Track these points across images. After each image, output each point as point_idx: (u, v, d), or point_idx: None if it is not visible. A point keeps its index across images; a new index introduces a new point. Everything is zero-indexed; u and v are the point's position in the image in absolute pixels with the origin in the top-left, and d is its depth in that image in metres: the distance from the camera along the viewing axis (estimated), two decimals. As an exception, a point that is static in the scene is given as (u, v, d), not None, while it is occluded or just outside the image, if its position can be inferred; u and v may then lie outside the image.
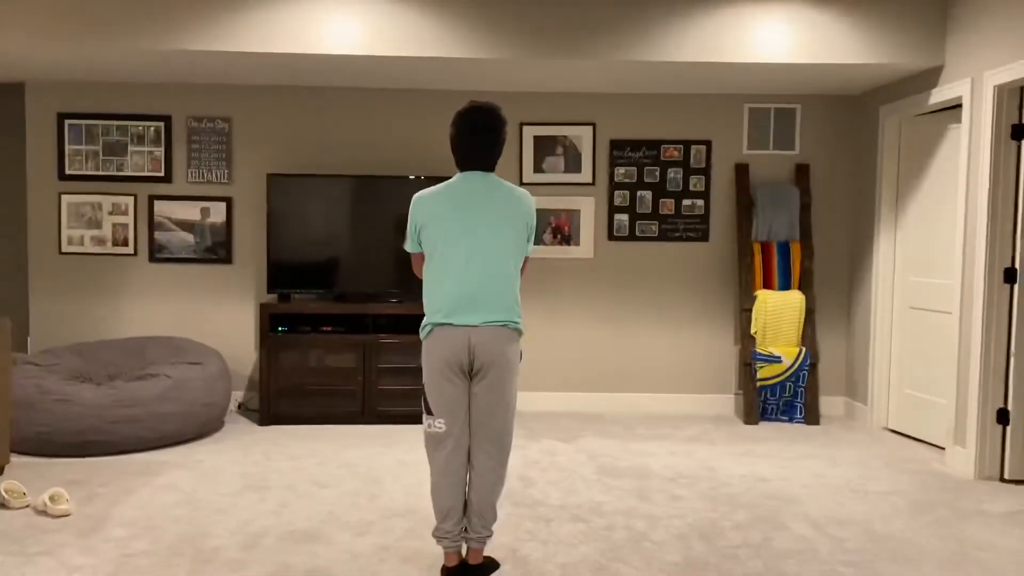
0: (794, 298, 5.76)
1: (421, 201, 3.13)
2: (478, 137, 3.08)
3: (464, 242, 3.03)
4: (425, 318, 3.12)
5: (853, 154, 5.99)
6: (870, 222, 5.71)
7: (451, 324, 3.03)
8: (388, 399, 5.52)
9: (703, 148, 5.99)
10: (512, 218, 3.08)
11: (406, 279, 5.53)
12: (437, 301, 3.07)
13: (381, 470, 4.51)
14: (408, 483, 4.28)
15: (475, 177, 3.10)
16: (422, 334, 3.13)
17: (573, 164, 5.99)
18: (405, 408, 5.47)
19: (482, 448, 3.09)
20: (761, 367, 5.73)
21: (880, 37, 4.87)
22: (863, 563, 3.35)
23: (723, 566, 3.29)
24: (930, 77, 5.01)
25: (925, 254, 5.28)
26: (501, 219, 3.06)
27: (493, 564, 3.21)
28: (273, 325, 5.54)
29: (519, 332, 3.10)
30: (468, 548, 3.14)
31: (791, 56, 4.87)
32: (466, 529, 3.11)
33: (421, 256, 3.18)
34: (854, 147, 5.97)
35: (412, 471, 4.47)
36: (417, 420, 5.30)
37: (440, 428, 3.06)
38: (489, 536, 3.15)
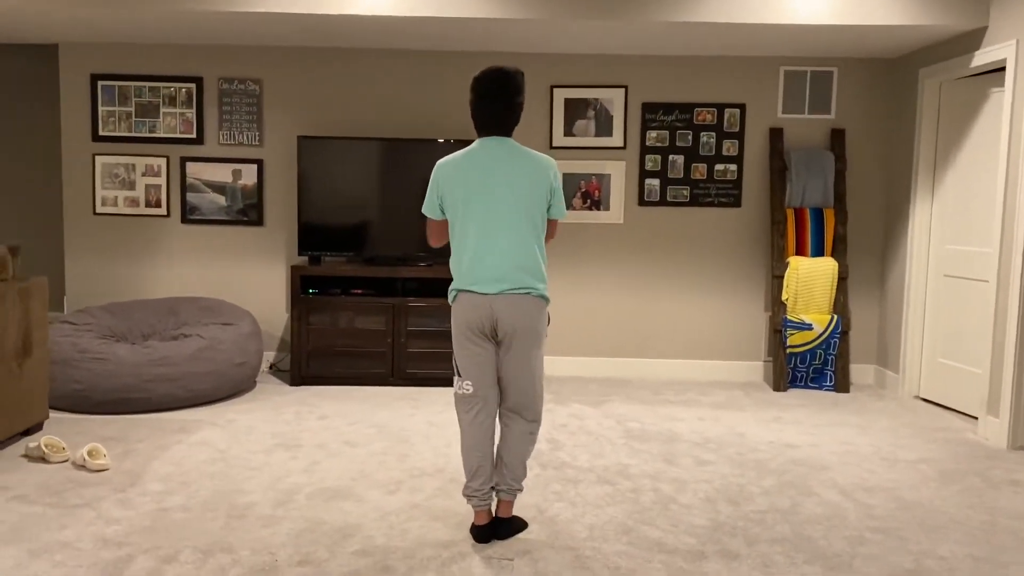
0: (826, 265, 5.69)
1: (442, 168, 3.14)
2: (494, 101, 3.08)
3: (483, 209, 3.04)
4: (452, 283, 3.15)
5: (890, 118, 5.87)
6: (906, 188, 5.61)
7: (473, 291, 3.06)
8: (417, 361, 5.56)
9: (737, 112, 5.90)
10: (531, 183, 3.06)
11: (435, 242, 5.53)
12: (461, 267, 3.10)
13: (410, 431, 4.56)
14: (436, 444, 4.32)
15: (492, 143, 3.10)
16: (449, 298, 3.17)
17: (604, 127, 5.93)
18: (433, 370, 5.50)
19: (512, 411, 3.16)
20: (791, 334, 5.68)
21: (922, -3, 4.74)
22: (891, 530, 3.34)
23: (750, 530, 3.30)
24: (972, 39, 4.88)
25: (962, 221, 5.18)
26: (520, 185, 3.05)
27: (521, 523, 3.26)
28: (304, 287, 5.58)
29: (543, 299, 3.10)
30: (498, 501, 3.20)
31: (830, 17, 4.76)
32: (497, 483, 3.17)
33: (436, 222, 3.19)
34: (891, 111, 5.85)
35: (440, 432, 4.52)
36: (445, 383, 5.39)
37: (468, 390, 3.11)
38: (519, 491, 3.21)
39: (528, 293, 3.05)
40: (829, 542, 3.21)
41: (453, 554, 3.03)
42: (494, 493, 3.19)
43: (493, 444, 3.16)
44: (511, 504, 3.22)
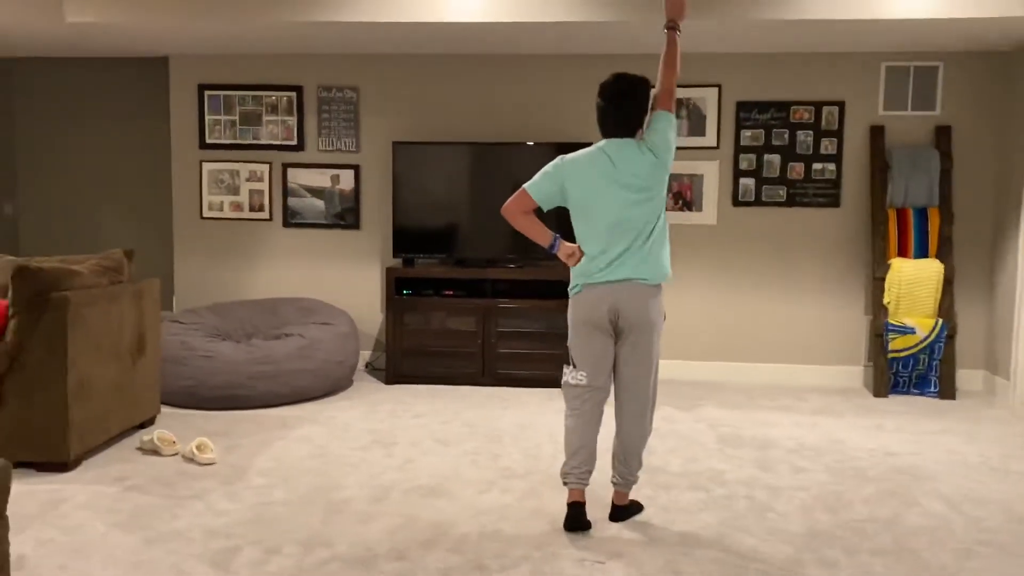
0: (931, 267, 5.48)
1: (570, 163, 3.26)
2: (616, 105, 3.24)
3: (605, 205, 3.19)
4: (574, 278, 3.28)
5: (1000, 115, 5.60)
6: (1018, 188, 5.35)
7: (596, 284, 3.20)
8: (507, 362, 5.61)
9: (835, 109, 5.74)
10: (650, 175, 3.20)
11: (524, 245, 5.55)
12: (588, 264, 3.23)
13: (501, 431, 4.61)
14: (527, 445, 4.35)
15: (614, 145, 3.24)
16: (572, 292, 3.30)
17: (697, 127, 5.85)
18: (524, 371, 5.55)
19: (628, 403, 3.30)
20: (893, 338, 5.49)
21: (1036, -14, 4.52)
22: (1002, 544, 3.20)
23: (850, 540, 3.22)
24: (1093, 28, 4.62)
25: (1081, 221, 4.91)
26: (640, 179, 3.19)
27: (638, 506, 3.42)
28: (398, 288, 5.71)
29: (660, 288, 3.23)
30: (615, 491, 3.36)
31: (936, 11, 4.58)
32: (612, 476, 3.35)
33: (529, 202, 3.27)
34: (1001, 107, 5.59)
35: (531, 434, 4.55)
36: (535, 384, 5.45)
37: (582, 380, 3.25)
38: (635, 481, 3.37)
39: (646, 283, 3.19)
40: (934, 554, 3.10)
41: (545, 554, 3.06)
42: (611, 484, 3.35)
43: (598, 428, 3.29)
44: (626, 494, 3.38)
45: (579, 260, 3.25)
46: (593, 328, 3.22)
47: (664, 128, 3.25)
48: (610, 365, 3.27)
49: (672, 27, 3.41)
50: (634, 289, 3.18)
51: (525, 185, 3.30)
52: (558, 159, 3.29)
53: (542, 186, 3.27)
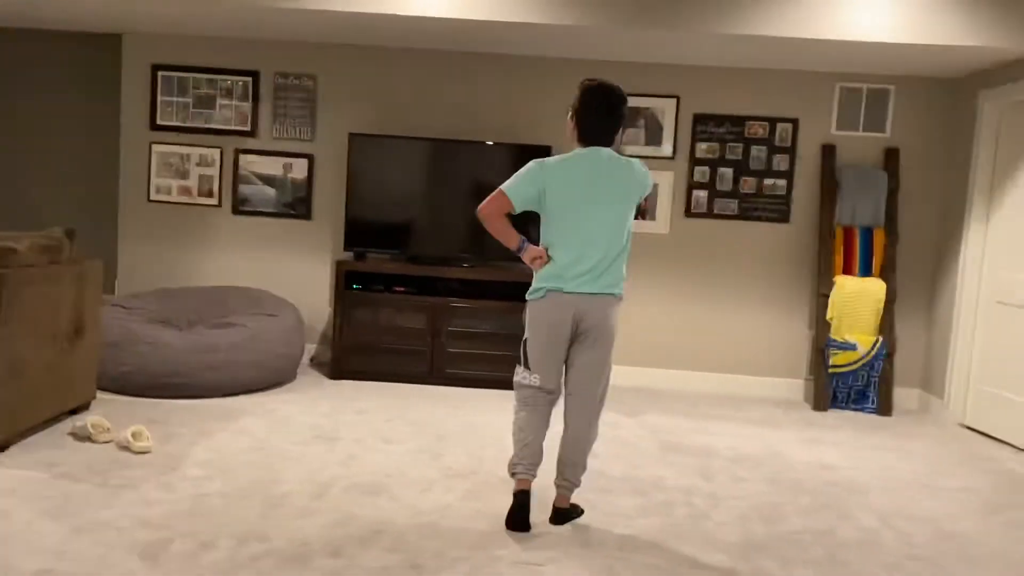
0: (873, 286, 5.61)
1: (550, 167, 3.26)
2: (603, 115, 3.25)
3: (583, 214, 3.21)
4: (538, 281, 3.28)
5: (947, 140, 5.76)
6: (961, 212, 5.50)
7: (563, 291, 3.21)
8: (456, 362, 5.59)
9: (789, 126, 5.84)
10: (627, 191, 3.25)
11: (478, 244, 5.57)
12: (554, 268, 3.23)
13: (446, 430, 4.58)
14: (471, 446, 4.34)
15: (597, 153, 3.25)
16: (533, 295, 3.30)
17: (653, 137, 5.91)
18: (473, 372, 5.53)
19: (578, 407, 3.31)
20: (835, 354, 5.61)
21: (987, 17, 4.65)
22: (930, 559, 3.28)
23: (784, 551, 3.27)
24: (1037, 62, 4.78)
25: (1018, 248, 5.06)
26: (618, 193, 3.23)
27: (578, 510, 3.43)
28: (348, 282, 5.64)
29: (620, 299, 3.30)
30: (557, 494, 3.37)
31: (889, 35, 4.70)
32: (556, 478, 3.35)
33: (506, 204, 3.24)
34: (949, 132, 5.74)
35: (476, 434, 4.53)
36: (484, 384, 5.45)
37: (535, 382, 3.28)
38: (578, 485, 3.38)
39: (608, 295, 3.23)
40: (864, 567, 3.16)
41: (484, 556, 3.04)
42: (554, 487, 3.36)
43: (547, 426, 3.32)
44: (568, 498, 3.38)
45: (544, 263, 3.25)
46: (554, 333, 3.23)
47: (646, 179, 3.31)
48: (562, 369, 3.30)
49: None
50: (602, 300, 3.22)
51: (503, 187, 3.27)
52: (535, 163, 3.27)
53: (520, 189, 3.25)
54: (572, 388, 3.31)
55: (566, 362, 3.31)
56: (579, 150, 3.27)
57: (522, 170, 3.29)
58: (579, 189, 3.20)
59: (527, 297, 3.33)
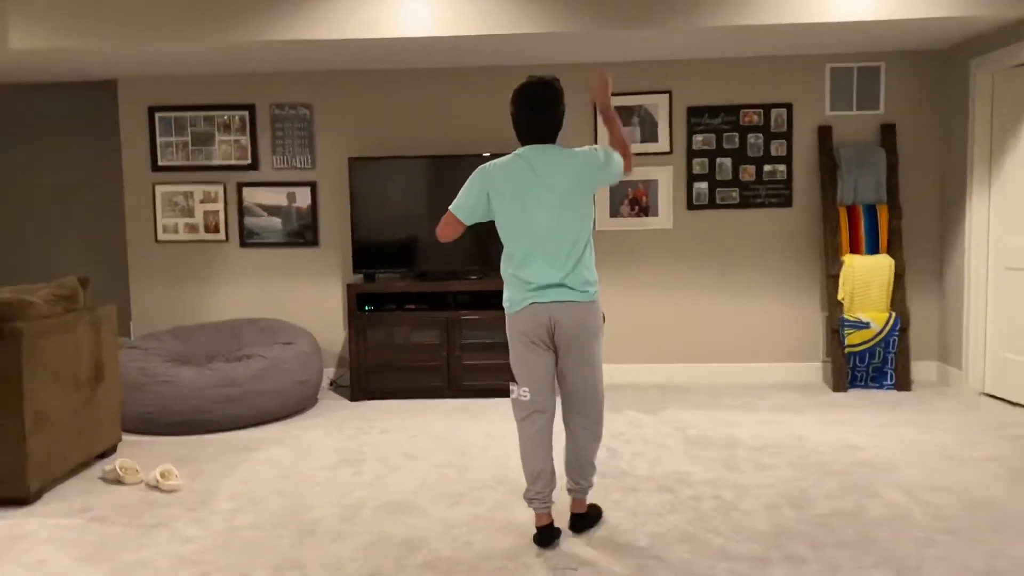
0: (882, 262, 5.61)
1: (486, 172, 3.20)
2: (534, 111, 3.16)
3: (530, 209, 3.13)
4: (506, 292, 3.24)
5: (942, 111, 5.76)
6: (962, 181, 5.51)
7: (535, 303, 3.15)
8: (472, 373, 5.62)
9: (784, 111, 5.86)
10: (574, 183, 3.14)
11: (484, 255, 5.61)
12: (515, 276, 3.19)
13: (469, 443, 4.61)
14: (495, 456, 4.37)
15: (533, 151, 3.17)
16: (505, 308, 3.26)
17: (650, 133, 5.93)
18: (489, 382, 5.56)
19: (575, 413, 3.26)
20: (849, 333, 5.61)
21: (970, -13, 4.66)
22: (961, 531, 3.28)
23: (815, 535, 3.28)
24: (1023, 27, 4.79)
25: (1023, 212, 5.06)
26: (567, 184, 3.13)
27: (597, 511, 3.41)
28: (360, 304, 5.69)
29: (593, 300, 3.19)
30: (572, 500, 3.35)
31: (875, 13, 4.71)
32: (567, 484, 3.33)
33: (457, 221, 3.23)
34: (943, 103, 5.75)
35: (499, 443, 4.56)
36: (501, 394, 5.46)
37: (525, 396, 3.20)
38: (590, 487, 3.34)
39: (579, 300, 3.14)
40: (897, 545, 3.17)
41: (518, 565, 3.07)
42: (567, 493, 3.33)
43: (551, 447, 3.25)
44: (584, 501, 3.35)
45: None
46: (531, 343, 3.17)
47: (610, 162, 3.19)
48: (551, 381, 3.22)
49: (602, 111, 3.31)
50: (572, 308, 3.13)
51: (451, 206, 3.25)
52: (478, 170, 3.22)
53: (465, 202, 3.22)
54: (568, 394, 3.25)
55: (557, 377, 3.24)
56: (519, 149, 3.21)
57: (466, 182, 3.25)
58: (522, 186, 3.12)
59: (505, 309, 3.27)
